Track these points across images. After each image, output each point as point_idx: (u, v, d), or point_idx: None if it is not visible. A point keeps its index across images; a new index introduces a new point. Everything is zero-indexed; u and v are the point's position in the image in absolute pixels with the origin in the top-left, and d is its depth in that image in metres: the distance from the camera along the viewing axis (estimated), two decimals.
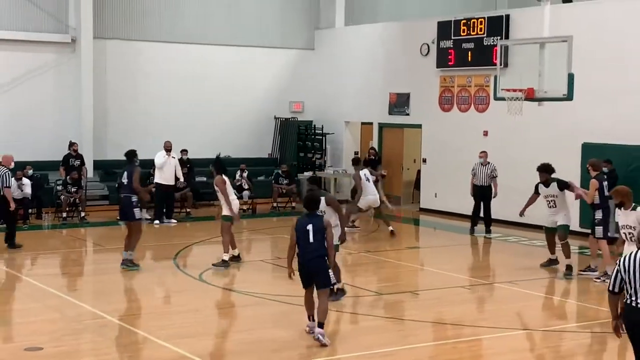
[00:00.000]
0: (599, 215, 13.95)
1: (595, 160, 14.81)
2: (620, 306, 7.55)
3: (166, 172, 19.85)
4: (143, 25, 23.60)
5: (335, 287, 11.47)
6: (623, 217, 11.50)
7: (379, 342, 10.28)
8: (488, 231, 18.84)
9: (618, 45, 18.01)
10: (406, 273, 15.15)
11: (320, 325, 10.11)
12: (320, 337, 10.01)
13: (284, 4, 25.66)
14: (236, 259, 14.97)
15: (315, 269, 10.18)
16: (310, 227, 10.19)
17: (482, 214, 18.88)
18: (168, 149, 19.97)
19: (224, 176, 14.73)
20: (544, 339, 10.75)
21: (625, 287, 7.38)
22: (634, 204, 11.26)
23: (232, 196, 14.79)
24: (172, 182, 20.04)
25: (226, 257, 14.70)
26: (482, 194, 18.73)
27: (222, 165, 15.08)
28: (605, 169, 16.85)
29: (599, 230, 13.92)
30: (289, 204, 22.90)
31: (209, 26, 24.48)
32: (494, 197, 18.72)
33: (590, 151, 17.91)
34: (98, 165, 22.66)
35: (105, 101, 23.11)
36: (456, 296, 13.07)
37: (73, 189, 20.23)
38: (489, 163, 18.78)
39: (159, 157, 19.85)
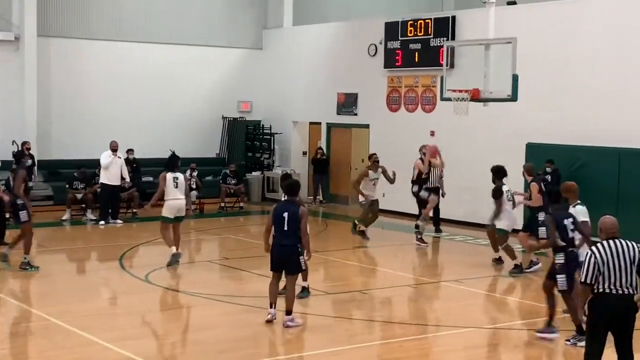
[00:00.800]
0: (542, 216, 14.15)
1: (529, 165, 15.22)
2: (586, 297, 7.81)
3: (112, 172, 19.67)
4: (88, 23, 23.32)
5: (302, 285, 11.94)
6: None
7: (326, 341, 10.33)
8: (438, 230, 19.02)
9: (561, 47, 18.32)
10: (354, 272, 15.20)
11: (289, 312, 10.49)
12: (290, 323, 10.44)
13: (231, 3, 25.58)
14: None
15: (286, 256, 10.60)
16: (286, 214, 10.56)
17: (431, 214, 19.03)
18: (114, 148, 19.78)
19: (167, 173, 14.70)
20: (488, 336, 10.88)
21: (599, 277, 7.66)
22: (577, 202, 11.46)
23: (171, 195, 14.69)
24: (117, 182, 19.85)
25: (174, 249, 14.64)
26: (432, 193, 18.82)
27: (170, 161, 15.06)
28: (548, 169, 17.22)
29: (542, 231, 14.12)
30: (237, 204, 22.84)
31: (155, 24, 24.30)
32: (443, 196, 18.89)
33: (534, 151, 18.21)
34: (42, 165, 22.29)
35: (49, 100, 22.78)
36: (403, 295, 13.19)
37: None
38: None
39: (105, 157, 19.65)
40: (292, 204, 10.73)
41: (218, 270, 15.01)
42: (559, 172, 17.35)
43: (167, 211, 14.74)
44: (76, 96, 23.19)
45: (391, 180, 17.61)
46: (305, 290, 12.31)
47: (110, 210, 19.87)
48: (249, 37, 25.89)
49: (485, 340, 10.77)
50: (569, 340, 10.18)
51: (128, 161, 20.85)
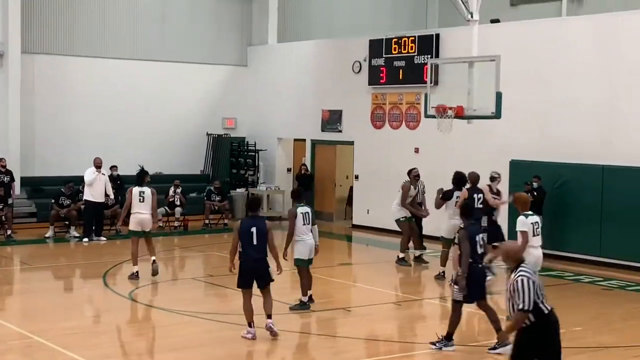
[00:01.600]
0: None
1: (474, 174, 15.37)
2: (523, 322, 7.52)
3: (96, 189, 19.60)
4: (73, 40, 23.26)
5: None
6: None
7: (309, 359, 10.29)
8: (421, 247, 19.00)
9: (544, 64, 18.46)
10: (338, 289, 15.18)
11: (270, 316, 10.77)
12: (272, 326, 10.73)
13: (216, 20, 25.58)
14: (134, 276, 14.86)
15: (258, 270, 10.72)
16: (254, 229, 10.67)
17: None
18: (98, 165, 19.73)
19: (134, 188, 14.94)
20: (473, 353, 10.88)
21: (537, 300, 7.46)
22: (528, 212, 11.72)
23: (136, 209, 14.83)
24: (101, 199, 19.79)
25: (135, 269, 14.79)
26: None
27: (137, 176, 15.25)
28: (535, 184, 17.34)
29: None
30: (221, 221, 22.78)
31: (140, 41, 24.28)
32: (426, 215, 18.92)
33: (518, 168, 18.31)
34: (26, 182, 22.18)
35: (33, 116, 22.68)
36: (388, 312, 13.19)
37: None
38: (420, 181, 18.95)
39: (89, 174, 19.59)
40: (257, 219, 10.84)
41: (202, 288, 14.96)
42: (544, 188, 17.48)
43: (132, 225, 15.00)
44: (60, 113, 23.11)
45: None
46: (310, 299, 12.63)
47: (94, 228, 19.78)
48: (234, 54, 25.94)
49: (471, 358, 10.76)
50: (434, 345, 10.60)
51: (112, 178, 20.77)
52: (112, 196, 20.18)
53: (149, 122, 24.35)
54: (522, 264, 7.70)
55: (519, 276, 7.51)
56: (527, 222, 11.54)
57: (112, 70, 23.82)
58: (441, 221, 15.63)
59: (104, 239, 19.75)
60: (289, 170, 25.35)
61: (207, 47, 25.40)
